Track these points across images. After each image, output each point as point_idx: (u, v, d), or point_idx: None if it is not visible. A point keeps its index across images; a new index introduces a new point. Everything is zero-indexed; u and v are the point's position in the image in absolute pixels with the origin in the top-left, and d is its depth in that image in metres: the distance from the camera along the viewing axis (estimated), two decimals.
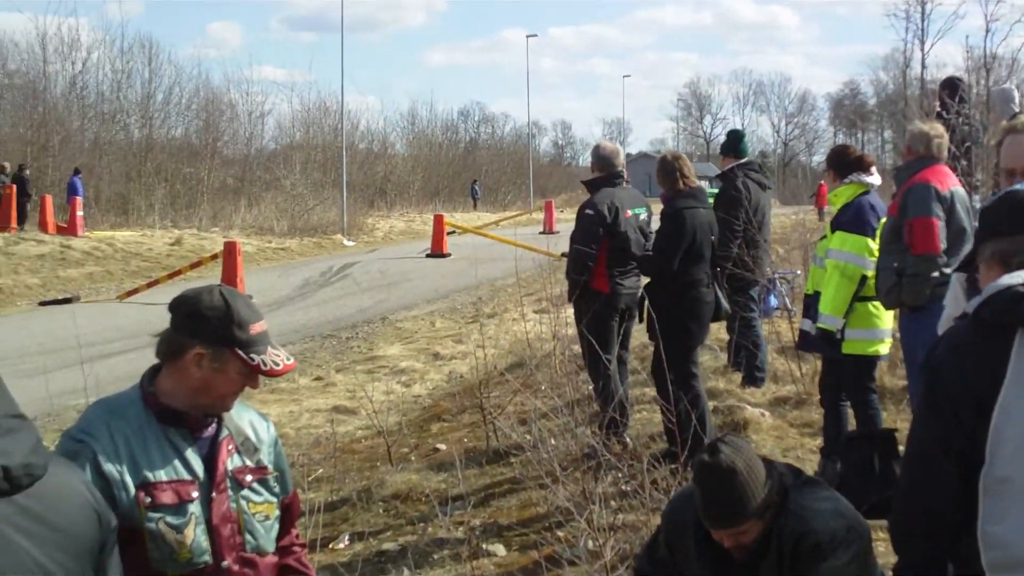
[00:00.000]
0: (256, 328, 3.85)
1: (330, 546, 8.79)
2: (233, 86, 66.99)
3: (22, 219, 38.15)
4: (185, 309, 3.80)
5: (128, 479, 3.61)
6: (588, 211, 10.16)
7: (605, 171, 10.41)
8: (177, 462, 3.75)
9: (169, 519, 3.68)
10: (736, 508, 4.62)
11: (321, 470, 11.03)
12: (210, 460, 3.83)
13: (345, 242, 45.55)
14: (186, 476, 3.75)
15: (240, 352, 3.78)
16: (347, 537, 9.09)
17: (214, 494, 3.79)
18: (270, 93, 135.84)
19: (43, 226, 37.66)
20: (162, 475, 3.69)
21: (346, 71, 75.75)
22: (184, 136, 61.72)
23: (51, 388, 12.12)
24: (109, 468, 3.58)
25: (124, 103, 58.29)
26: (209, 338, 3.75)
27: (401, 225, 56.92)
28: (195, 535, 3.72)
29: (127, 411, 3.74)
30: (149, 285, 26.72)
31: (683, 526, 4.98)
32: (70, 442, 3.60)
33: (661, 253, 9.65)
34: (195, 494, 3.75)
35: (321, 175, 61.97)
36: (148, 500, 3.63)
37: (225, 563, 3.81)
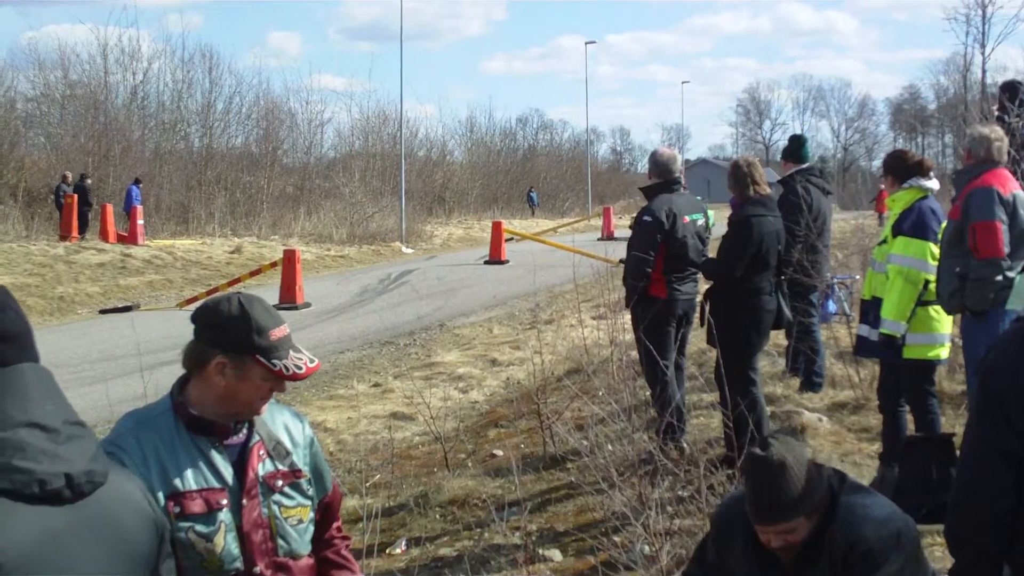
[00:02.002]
0: (276, 333, 3.83)
1: (387, 551, 8.82)
2: (293, 95, 67.90)
3: (83, 228, 38.57)
4: (204, 319, 3.82)
5: (158, 489, 3.62)
6: (646, 217, 10.13)
7: (662, 177, 10.37)
8: (206, 470, 3.77)
9: (198, 528, 3.70)
10: (784, 503, 4.58)
11: (379, 476, 11.06)
12: (240, 467, 3.85)
13: (404, 249, 45.68)
14: (215, 484, 3.77)
15: (261, 359, 3.78)
16: (404, 542, 9.11)
17: (245, 501, 3.81)
18: (330, 102, 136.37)
19: (104, 235, 38.01)
20: (191, 484, 3.71)
21: (405, 80, 76.06)
22: (244, 145, 62.05)
23: (111, 395, 12.22)
24: (137, 477, 3.54)
25: (184, 113, 58.64)
26: (229, 346, 3.76)
27: (459, 232, 57.05)
28: (225, 542, 3.74)
29: (157, 421, 3.76)
30: (209, 293, 26.83)
31: (732, 528, 4.95)
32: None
33: (725, 259, 9.59)
34: (224, 501, 3.77)
35: (380, 183, 62.21)
36: (177, 510, 3.65)
37: (257, 569, 3.83)
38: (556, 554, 8.21)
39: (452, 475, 10.66)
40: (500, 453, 11.42)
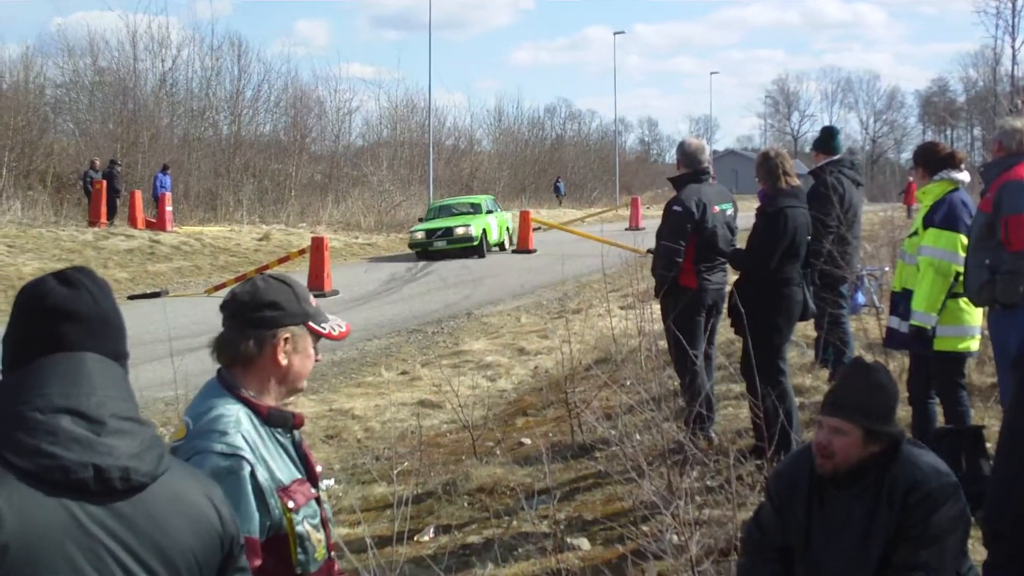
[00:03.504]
0: (313, 300, 3.89)
1: (415, 539, 8.83)
2: (321, 83, 67.83)
3: (112, 214, 38.67)
4: (257, 303, 3.75)
5: (270, 485, 3.58)
6: (675, 208, 10.11)
7: (691, 167, 10.34)
8: (290, 463, 3.75)
9: (310, 519, 3.70)
10: (856, 402, 4.80)
11: (406, 463, 11.09)
12: (303, 457, 3.85)
13: None
14: (299, 475, 3.75)
15: (313, 325, 3.81)
16: (432, 530, 9.12)
17: (316, 490, 3.82)
18: (358, 90, 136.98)
19: (132, 221, 38.13)
20: (287, 477, 3.68)
21: (433, 69, 76.04)
22: (272, 133, 62.29)
23: (140, 381, 12.25)
24: (262, 478, 3.55)
25: (213, 100, 58.83)
26: (289, 320, 3.76)
27: None
28: (322, 532, 3.76)
29: (243, 419, 3.66)
30: (237, 280, 26.95)
31: (796, 478, 5.04)
32: (221, 459, 3.50)
33: (758, 250, 9.55)
34: (313, 491, 3.78)
35: (408, 171, 62.36)
36: (291, 504, 3.62)
37: (332, 555, 3.87)
38: (584, 543, 8.22)
39: (480, 463, 10.66)
40: (528, 441, 11.44)
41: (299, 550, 3.64)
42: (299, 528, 3.63)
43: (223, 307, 3.84)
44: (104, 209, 38.12)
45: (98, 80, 55.34)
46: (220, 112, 59.12)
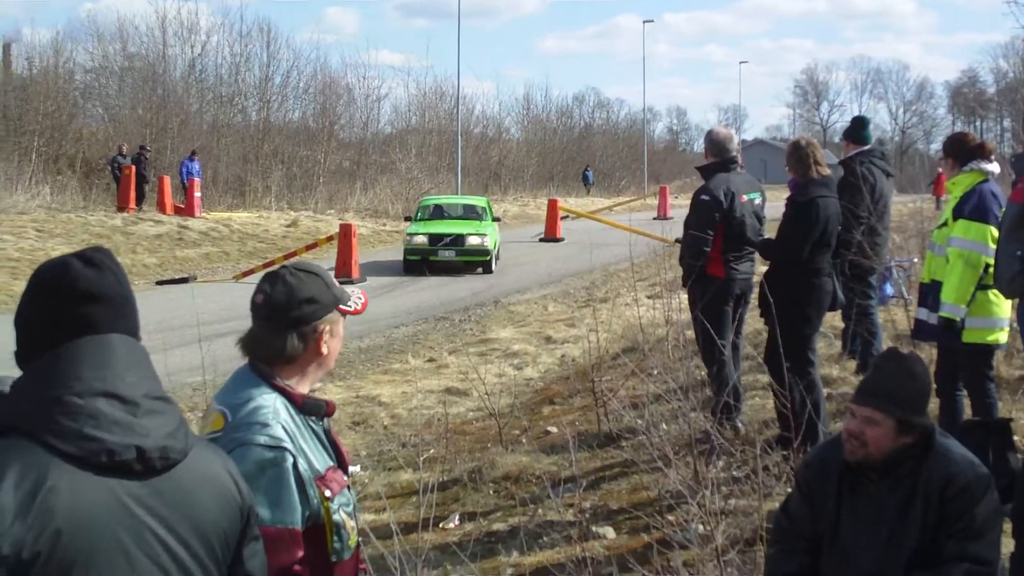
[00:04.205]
0: (335, 280, 3.91)
1: (441, 525, 8.85)
2: (350, 70, 67.71)
3: (140, 200, 38.78)
4: (298, 299, 3.73)
5: (310, 475, 3.60)
6: (704, 197, 10.08)
7: (719, 156, 10.31)
8: (323, 451, 3.76)
9: (344, 507, 3.72)
10: (889, 391, 4.79)
11: (432, 450, 11.10)
12: (332, 444, 3.85)
13: None
14: (332, 463, 3.76)
15: (343, 307, 3.84)
16: (457, 517, 9.14)
17: (346, 476, 3.84)
18: (387, 78, 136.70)
19: (161, 207, 38.29)
20: (322, 465, 3.68)
21: (462, 57, 76.00)
22: (301, 119, 62.33)
23: (169, 365, 12.31)
24: (302, 468, 3.57)
25: (242, 86, 58.92)
26: (324, 311, 3.77)
27: (515, 209, 57.04)
28: (354, 519, 3.79)
29: (280, 409, 3.66)
30: (265, 266, 26.98)
31: (825, 467, 5.03)
32: (265, 451, 3.51)
33: (790, 240, 9.50)
34: (345, 479, 3.79)
35: (436, 159, 62.43)
36: (328, 492, 3.64)
37: (360, 540, 3.89)
38: (609, 532, 8.23)
39: (506, 451, 10.68)
40: (554, 430, 11.44)
41: (335, 538, 3.66)
42: (335, 516, 3.65)
43: (257, 310, 3.80)
44: (133, 194, 38.23)
45: (127, 66, 55.54)
46: (249, 98, 59.22)
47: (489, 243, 30.34)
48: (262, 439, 3.52)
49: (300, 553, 3.48)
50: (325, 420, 3.85)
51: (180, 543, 2.63)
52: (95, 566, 2.46)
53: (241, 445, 3.49)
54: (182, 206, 38.66)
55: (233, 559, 2.84)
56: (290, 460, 3.53)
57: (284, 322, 3.73)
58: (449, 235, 30.39)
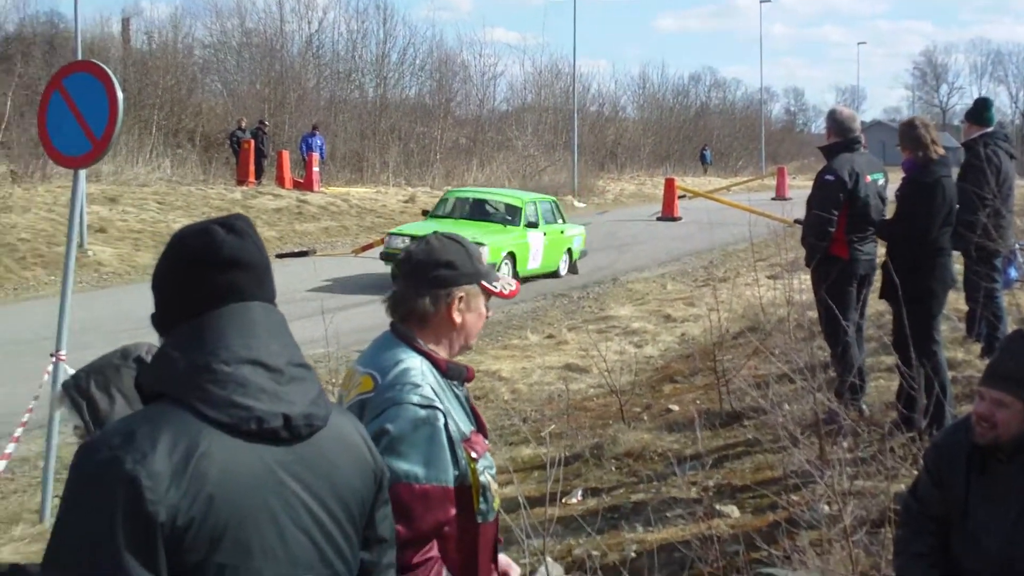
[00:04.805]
0: (484, 259, 3.98)
1: (564, 500, 8.91)
2: (466, 47, 67.65)
3: (259, 174, 39.23)
4: (433, 261, 3.82)
5: (459, 436, 3.66)
6: (828, 177, 10.00)
7: (842, 136, 10.21)
8: (466, 415, 3.82)
9: (489, 470, 3.79)
10: (1020, 374, 4.67)
11: (553, 426, 11.17)
12: (471, 410, 3.92)
13: (576, 203, 45.73)
14: (474, 427, 3.83)
15: (485, 284, 3.87)
16: (580, 492, 9.20)
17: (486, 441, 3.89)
18: (502, 55, 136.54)
19: (280, 181, 38.67)
20: (467, 429, 3.75)
21: (577, 35, 75.88)
22: (417, 96, 62.50)
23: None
24: (452, 428, 3.64)
25: (359, 63, 59.27)
26: (463, 280, 3.82)
27: (631, 188, 56.99)
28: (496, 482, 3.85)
29: (427, 371, 3.73)
30: (383, 240, 27.24)
31: (954, 450, 5.00)
32: (419, 409, 3.57)
33: (917, 220, 9.39)
34: (487, 443, 3.86)
35: (552, 137, 62.33)
36: (474, 455, 3.71)
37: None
38: (734, 510, 8.23)
39: (627, 428, 10.71)
40: (676, 408, 11.44)
41: (481, 499, 3.72)
42: (482, 478, 3.72)
43: (398, 265, 3.93)
44: (252, 168, 38.68)
45: (245, 41, 56.12)
46: (366, 75, 59.57)
47: (490, 253, 21.87)
48: (415, 398, 3.59)
49: (453, 511, 3.56)
50: (464, 386, 3.92)
51: (323, 508, 2.67)
52: (245, 531, 2.49)
53: (395, 404, 3.57)
54: (301, 180, 39.02)
55: (366, 523, 2.87)
56: (442, 419, 3.60)
57: (420, 281, 3.81)
58: None
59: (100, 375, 3.31)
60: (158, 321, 2.74)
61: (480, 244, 19.83)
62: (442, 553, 3.57)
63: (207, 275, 2.66)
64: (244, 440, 2.52)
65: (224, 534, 2.45)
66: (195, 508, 2.40)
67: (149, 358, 3.20)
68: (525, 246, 23.85)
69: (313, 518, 2.65)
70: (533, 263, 24.10)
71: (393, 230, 24.91)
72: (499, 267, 21.82)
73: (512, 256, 23.23)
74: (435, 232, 4.00)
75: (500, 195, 26.98)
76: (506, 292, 3.94)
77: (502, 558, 4.07)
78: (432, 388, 3.66)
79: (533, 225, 24.60)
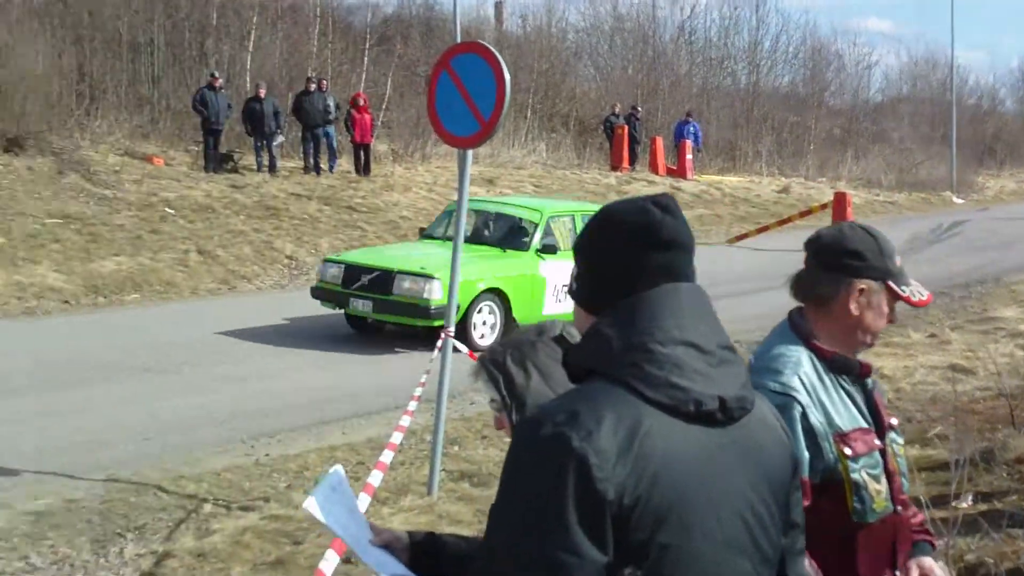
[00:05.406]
0: (899, 260, 3.83)
1: (953, 504, 8.70)
2: (840, 36, 66.51)
3: (633, 159, 39.60)
4: (837, 248, 3.77)
5: (824, 428, 3.63)
6: None
7: None
8: (854, 411, 3.75)
9: (868, 469, 3.70)
10: None
11: (939, 428, 10.90)
12: (871, 407, 3.83)
13: (954, 199, 44.56)
14: (864, 424, 3.75)
15: (892, 284, 3.76)
16: (971, 497, 8.96)
17: (883, 441, 3.80)
18: (876, 44, 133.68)
19: (653, 167, 39.01)
20: (848, 424, 3.69)
21: (956, 24, 73.73)
22: (790, 85, 61.79)
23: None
24: (813, 419, 3.61)
25: (731, 50, 59.02)
26: (868, 273, 3.74)
27: (1012, 185, 55.14)
28: (883, 483, 3.74)
29: (804, 361, 3.70)
30: (759, 231, 27.13)
31: None
32: (772, 396, 3.47)
33: None
34: (877, 442, 3.75)
35: (928, 130, 60.79)
36: (848, 451, 3.65)
37: (898, 508, 3.81)
38: None
39: (1018, 433, 10.36)
40: None
41: (855, 498, 3.66)
42: (855, 476, 3.64)
43: (807, 244, 3.89)
44: (626, 154, 39.07)
45: (617, 26, 56.57)
46: (738, 62, 59.23)
47: (437, 291, 15.69)
48: (772, 384, 3.59)
49: (807, 502, 3.43)
50: (869, 382, 3.86)
51: (754, 491, 2.65)
52: (687, 512, 2.49)
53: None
54: (673, 168, 39.19)
55: (787, 506, 2.84)
56: (798, 409, 3.58)
57: (824, 263, 3.79)
58: (373, 270, 16.59)
59: (516, 350, 3.39)
60: (585, 298, 2.77)
61: (426, 277, 15.97)
62: (809, 547, 3.55)
63: (647, 254, 2.67)
64: (683, 421, 2.52)
65: (668, 514, 2.46)
66: (641, 487, 2.41)
67: (568, 337, 3.31)
68: (527, 279, 17.27)
69: (746, 501, 2.63)
70: (552, 304, 17.39)
71: (329, 255, 19.41)
72: (465, 310, 15.85)
73: (501, 295, 16.83)
74: (850, 221, 3.95)
75: (516, 206, 19.23)
76: (914, 299, 3.81)
77: (924, 561, 3.89)
78: (802, 378, 3.65)
79: (550, 250, 17.54)
